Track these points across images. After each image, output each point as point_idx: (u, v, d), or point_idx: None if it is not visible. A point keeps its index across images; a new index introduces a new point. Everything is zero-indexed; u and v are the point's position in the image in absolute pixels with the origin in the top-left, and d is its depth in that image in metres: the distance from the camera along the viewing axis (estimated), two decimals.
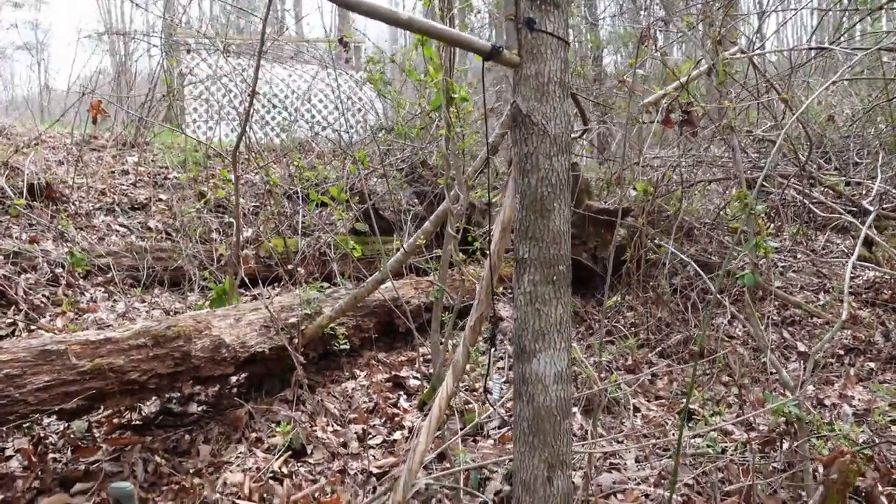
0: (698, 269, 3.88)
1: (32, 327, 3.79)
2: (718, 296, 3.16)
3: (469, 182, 2.73)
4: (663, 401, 3.70)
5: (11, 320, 3.80)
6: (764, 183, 5.47)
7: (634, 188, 3.50)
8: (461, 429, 3.05)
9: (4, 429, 2.63)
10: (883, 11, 6.26)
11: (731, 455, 2.71)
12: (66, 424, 2.84)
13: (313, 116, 8.87)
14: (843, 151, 6.93)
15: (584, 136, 6.08)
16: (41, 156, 6.09)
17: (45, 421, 2.86)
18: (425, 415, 2.98)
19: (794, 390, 2.18)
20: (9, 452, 2.65)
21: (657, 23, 4.34)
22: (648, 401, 3.70)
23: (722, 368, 4.15)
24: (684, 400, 3.61)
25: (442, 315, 3.23)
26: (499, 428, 3.03)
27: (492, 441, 2.93)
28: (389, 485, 1.55)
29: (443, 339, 3.32)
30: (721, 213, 5.82)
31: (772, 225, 5.95)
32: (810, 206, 5.48)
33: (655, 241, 5.25)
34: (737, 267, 4.95)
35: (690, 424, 3.17)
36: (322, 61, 10.35)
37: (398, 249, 4.60)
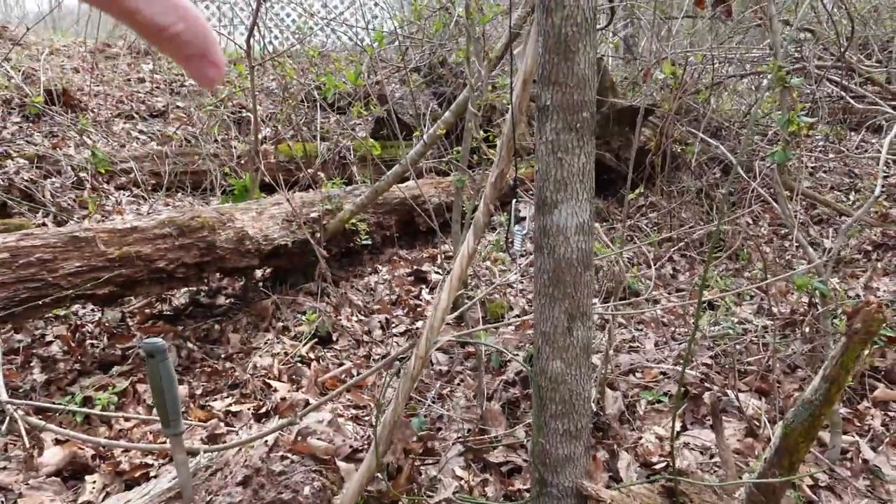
0: (731, 157, 3.77)
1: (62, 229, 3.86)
2: (742, 174, 3.07)
3: (489, 62, 2.62)
4: (684, 293, 3.71)
5: (41, 222, 3.88)
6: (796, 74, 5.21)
7: (662, 71, 3.34)
8: (483, 317, 3.10)
9: (43, 317, 2.73)
10: None
11: (752, 337, 2.72)
12: (101, 313, 2.95)
13: (331, 16, 8.58)
14: (889, 44, 6.54)
15: (612, 35, 5.80)
16: (57, 63, 6.02)
17: (81, 311, 2.96)
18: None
19: (819, 268, 2.15)
20: (49, 338, 2.76)
21: None
22: (669, 294, 3.70)
23: (745, 265, 4.12)
24: (705, 293, 3.62)
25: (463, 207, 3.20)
26: (518, 316, 3.07)
27: (512, 328, 2.98)
28: (413, 341, 1.58)
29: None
30: (751, 110, 5.61)
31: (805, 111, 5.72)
32: (848, 98, 5.24)
33: (681, 138, 5.10)
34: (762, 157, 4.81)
35: (711, 312, 3.18)
36: None
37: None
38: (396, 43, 6.45)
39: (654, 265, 3.94)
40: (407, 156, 3.21)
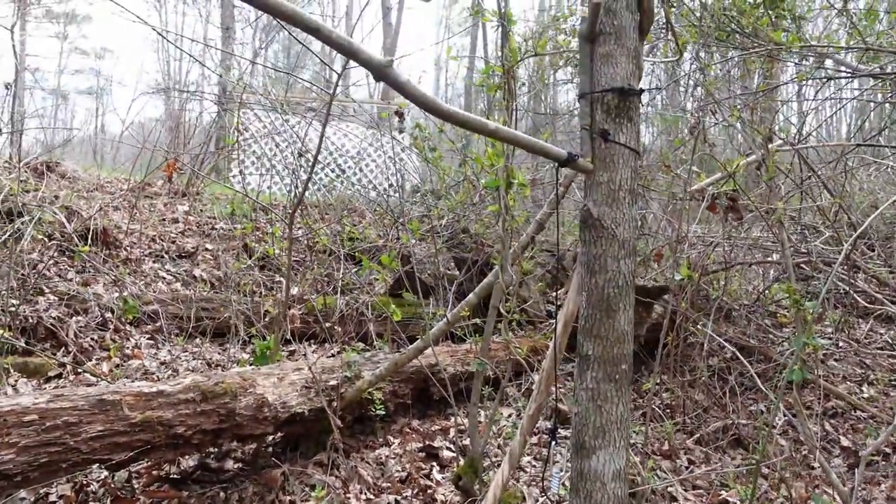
0: (738, 354, 3.84)
1: (79, 370, 3.90)
2: (764, 388, 3.11)
3: (518, 261, 2.79)
4: (701, 491, 3.60)
5: (61, 362, 3.92)
6: (806, 269, 5.43)
7: (678, 271, 3.52)
8: None
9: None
10: None
11: None
12: (108, 473, 2.89)
13: (360, 176, 9.16)
14: (889, 240, 6.85)
15: None
16: (99, 201, 6.37)
17: (90, 469, 2.91)
18: (461, 491, 2.96)
19: (844, 496, 2.12)
20: (52, 498, 2.70)
21: (707, 109, 4.45)
22: (685, 490, 3.60)
23: (761, 459, 4.03)
24: (723, 491, 3.52)
25: (481, 389, 3.24)
26: None
27: None
28: None
29: (480, 412, 3.32)
30: (762, 296, 5.76)
31: (820, 311, 5.85)
32: (853, 294, 5.40)
33: (694, 322, 5.21)
34: (779, 353, 4.86)
35: None
36: (370, 123, 10.73)
37: (435, 315, 4.66)
38: (417, 203, 6.84)
39: (670, 457, 3.87)
40: (430, 332, 3.30)
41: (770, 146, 2.87)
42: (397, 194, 7.55)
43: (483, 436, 2.99)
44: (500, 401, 3.46)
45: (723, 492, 3.51)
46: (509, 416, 4.00)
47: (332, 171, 9.30)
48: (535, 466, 3.55)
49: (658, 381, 4.90)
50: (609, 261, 1.35)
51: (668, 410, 4.63)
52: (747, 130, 3.64)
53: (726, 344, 3.14)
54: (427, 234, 5.58)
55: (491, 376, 3.59)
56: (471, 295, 3.29)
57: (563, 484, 1.52)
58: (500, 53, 2.30)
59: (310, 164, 8.42)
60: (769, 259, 5.65)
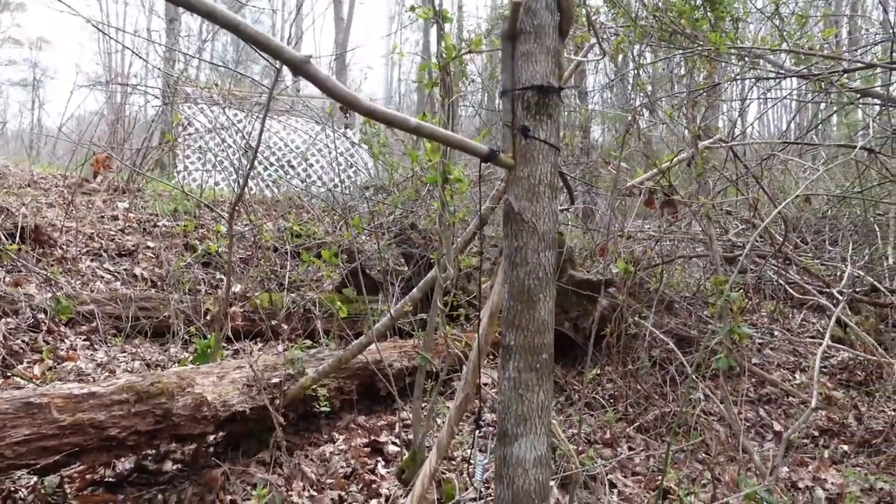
0: (674, 347, 3.97)
1: (8, 374, 3.75)
2: (694, 376, 3.23)
3: (458, 256, 2.82)
4: (640, 477, 3.72)
5: None
6: (744, 262, 5.65)
7: (616, 266, 3.61)
8: (439, 500, 3.04)
9: None
10: (855, 105, 6.62)
11: None
12: (37, 479, 2.80)
13: (307, 172, 9.05)
14: (819, 233, 7.19)
15: (570, 209, 6.25)
16: (33, 198, 6.13)
17: (16, 474, 2.81)
18: (404, 484, 2.98)
19: (766, 476, 2.23)
20: None
21: (641, 109, 4.57)
22: (625, 476, 3.71)
23: (698, 446, 4.18)
24: (660, 477, 3.64)
25: (425, 383, 3.26)
26: (473, 501, 3.03)
27: None
28: None
29: (424, 406, 3.35)
30: (700, 288, 5.97)
31: (749, 302, 6.10)
32: (786, 286, 5.65)
33: (636, 314, 5.35)
34: (714, 344, 5.05)
35: (668, 500, 3.19)
36: (318, 119, 10.61)
37: (383, 312, 4.66)
38: (365, 199, 6.81)
39: (611, 445, 3.98)
40: (374, 327, 3.30)
41: (700, 144, 2.98)
42: (345, 190, 7.50)
43: (425, 429, 3.02)
44: (441, 394, 3.50)
45: (659, 477, 3.63)
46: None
47: (280, 167, 9.16)
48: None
49: (601, 371, 5.03)
50: (529, 253, 1.38)
51: (611, 400, 4.76)
52: (681, 128, 3.77)
53: (662, 336, 3.24)
54: (374, 229, 5.57)
55: (436, 370, 3.62)
56: (414, 290, 3.31)
57: (489, 472, 1.56)
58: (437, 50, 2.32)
59: (263, 158, 8.26)
60: (702, 253, 5.86)
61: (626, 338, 5.07)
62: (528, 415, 1.40)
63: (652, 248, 5.05)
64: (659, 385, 4.80)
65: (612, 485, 3.52)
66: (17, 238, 4.89)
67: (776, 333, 6.21)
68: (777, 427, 4.50)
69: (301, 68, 1.09)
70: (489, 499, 2.93)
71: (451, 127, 2.20)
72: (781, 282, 5.56)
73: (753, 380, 5.26)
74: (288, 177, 8.03)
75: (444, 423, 3.81)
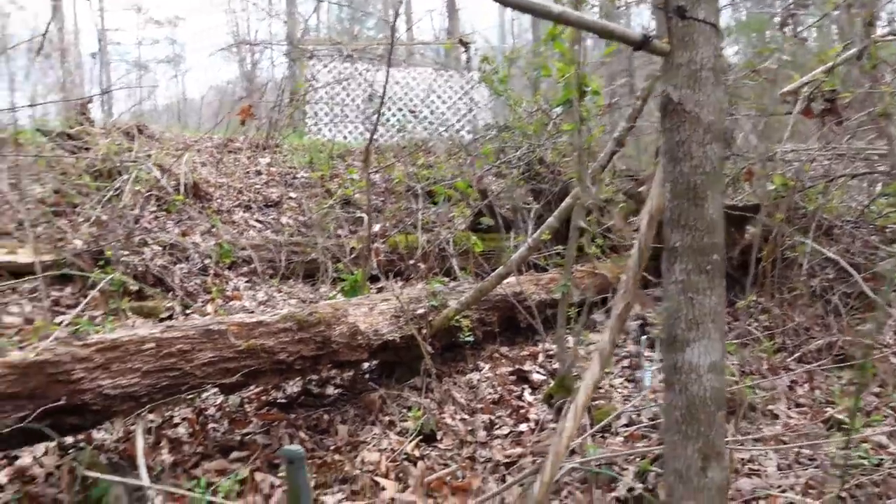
0: (849, 268, 3.60)
1: (188, 312, 4.20)
2: (874, 296, 2.93)
3: (597, 179, 2.71)
4: (805, 408, 3.48)
5: (170, 305, 4.23)
6: None
7: (771, 182, 3.31)
8: (590, 423, 3.04)
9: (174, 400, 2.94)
10: None
11: (890, 468, 2.52)
12: (222, 399, 3.14)
13: (431, 117, 9.13)
14: None
15: None
16: (189, 159, 6.68)
17: (204, 395, 3.16)
18: (552, 407, 3.01)
19: None
20: (176, 420, 2.97)
21: (794, 5, 4.07)
22: (788, 408, 3.49)
23: (871, 378, 3.83)
24: (829, 409, 3.38)
25: (567, 310, 3.23)
26: (626, 426, 3.00)
27: (621, 438, 2.90)
28: (536, 465, 1.59)
29: (568, 334, 3.33)
30: (866, 209, 5.37)
31: None
32: None
33: (792, 239, 4.92)
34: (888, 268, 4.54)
35: (836, 434, 2.97)
36: (435, 62, 10.59)
37: (516, 246, 4.65)
38: (494, 138, 6.75)
39: (771, 376, 3.75)
40: (512, 258, 3.31)
41: (872, 34, 2.60)
42: (468, 131, 7.49)
43: (572, 356, 3.01)
44: (584, 324, 3.45)
45: (828, 409, 3.38)
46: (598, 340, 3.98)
47: (403, 114, 9.30)
48: (626, 387, 3.54)
49: (754, 300, 4.71)
50: (694, 147, 1.28)
51: (766, 331, 4.46)
52: (845, 20, 3.31)
53: (836, 257, 2.94)
54: (502, 165, 5.52)
55: (577, 300, 3.57)
56: (551, 218, 3.26)
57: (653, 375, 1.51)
58: None
59: (385, 107, 8.46)
60: (867, 170, 5.21)
61: (782, 267, 4.70)
62: (700, 319, 1.33)
63: (807, 167, 4.57)
64: (820, 316, 4.42)
65: (775, 416, 3.33)
66: (185, 193, 5.39)
67: None
68: None
69: None
70: (654, 406, 2.89)
71: (579, 41, 2.07)
72: None
73: None
74: (413, 122, 8.15)
75: (590, 355, 3.78)
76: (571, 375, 3.01)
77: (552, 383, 3.29)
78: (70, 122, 6.64)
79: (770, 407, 3.37)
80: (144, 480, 2.16)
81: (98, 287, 3.74)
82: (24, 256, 4.35)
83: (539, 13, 1.26)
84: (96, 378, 2.24)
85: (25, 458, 2.65)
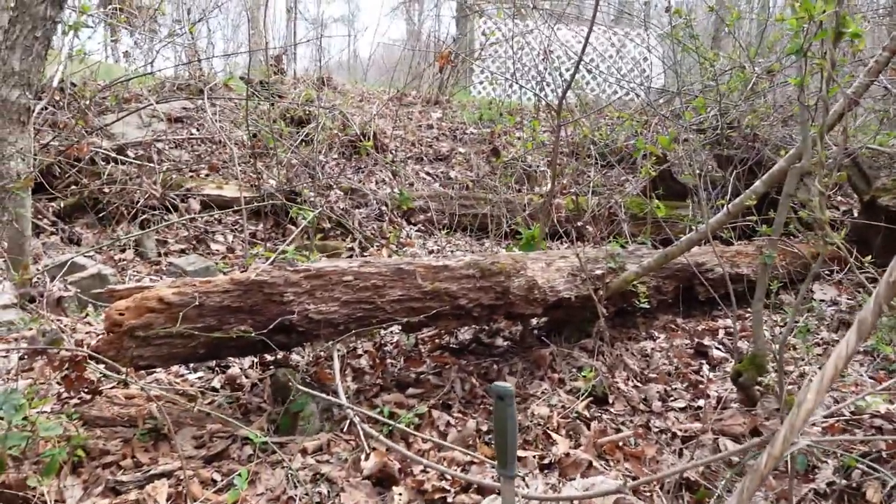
0: None
1: (365, 255, 4.43)
2: None
3: (820, 130, 2.39)
4: None
5: (350, 246, 4.49)
6: None
7: None
8: (777, 409, 2.79)
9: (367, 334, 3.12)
10: None
11: None
12: (399, 337, 3.28)
13: (608, 76, 8.75)
14: None
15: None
16: (366, 110, 7.00)
17: (384, 332, 3.33)
18: (741, 388, 2.79)
19: None
20: (359, 352, 3.15)
21: None
22: None
23: None
24: None
25: (769, 284, 2.95)
26: (825, 418, 2.71)
27: (818, 429, 2.63)
28: (766, 437, 1.47)
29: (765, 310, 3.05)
30: None
31: None
32: None
33: None
34: None
35: None
36: (614, 20, 10.05)
37: (693, 217, 4.34)
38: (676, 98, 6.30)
39: None
40: (707, 222, 3.07)
41: None
42: (646, 92, 7.05)
43: (787, 332, 2.75)
44: (772, 304, 3.15)
45: None
46: (784, 321, 3.64)
47: (580, 70, 9.00)
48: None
49: None
50: None
51: None
52: None
53: None
54: (686, 130, 5.14)
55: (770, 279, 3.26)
56: (757, 182, 2.96)
57: None
58: None
59: (556, 66, 8.21)
60: None
61: None
62: None
63: None
64: None
65: None
66: (367, 140, 5.65)
67: None
68: None
69: None
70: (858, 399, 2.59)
71: None
72: None
73: None
74: (590, 80, 7.85)
75: (775, 338, 3.47)
76: (765, 354, 2.77)
77: (740, 360, 3.05)
78: (266, 72, 7.21)
79: None
80: (343, 400, 2.31)
81: (297, 224, 4.03)
82: (229, 191, 4.83)
83: None
84: (303, 302, 2.42)
85: (234, 368, 2.97)
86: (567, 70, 9.07)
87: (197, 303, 2.26)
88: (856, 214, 5.06)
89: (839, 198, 5.66)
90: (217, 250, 4.45)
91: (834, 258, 4.33)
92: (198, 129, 6.00)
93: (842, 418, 2.70)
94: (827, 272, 4.38)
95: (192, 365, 2.94)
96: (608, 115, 6.48)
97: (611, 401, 2.88)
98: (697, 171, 5.33)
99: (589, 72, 8.47)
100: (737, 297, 3.01)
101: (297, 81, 7.34)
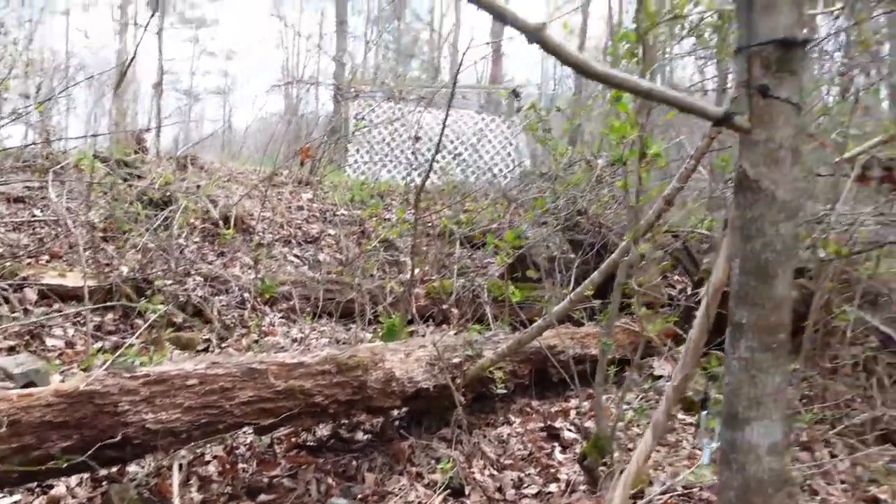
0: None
1: (223, 345, 4.25)
2: None
3: (642, 239, 2.70)
4: (846, 485, 3.34)
5: (207, 337, 4.29)
6: None
7: (822, 249, 3.26)
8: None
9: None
10: None
11: None
12: (253, 438, 3.14)
13: (473, 160, 9.25)
14: None
15: None
16: (236, 190, 6.87)
17: (239, 432, 3.17)
18: (586, 470, 2.93)
19: None
20: (207, 458, 2.97)
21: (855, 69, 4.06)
22: (829, 484, 3.35)
23: None
24: (871, 487, 3.24)
25: (607, 368, 3.18)
26: (660, 494, 2.90)
27: None
28: None
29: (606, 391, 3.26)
30: None
31: None
32: None
33: (837, 306, 4.79)
34: None
35: None
36: (479, 106, 10.77)
37: (550, 298, 4.62)
38: (532, 185, 6.79)
39: (809, 449, 3.62)
40: (553, 311, 3.28)
41: None
42: (510, 177, 7.55)
43: (609, 416, 2.94)
44: (615, 383, 3.39)
45: (871, 487, 3.24)
46: (637, 397, 3.91)
47: (444, 156, 9.45)
48: (657, 451, 3.44)
49: (796, 368, 4.58)
50: (767, 225, 1.28)
51: (805, 401, 4.32)
52: None
53: (886, 329, 2.86)
54: (542, 216, 5.53)
55: (616, 357, 3.52)
56: (595, 273, 3.24)
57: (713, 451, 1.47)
58: (633, 17, 2.22)
59: (426, 148, 8.58)
60: None
61: (823, 333, 4.57)
62: (762, 398, 1.30)
63: (859, 232, 4.47)
64: (865, 388, 4.27)
65: (814, 492, 3.20)
66: (228, 225, 5.52)
67: None
68: None
69: (536, 35, 1.09)
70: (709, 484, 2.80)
71: (649, 76, 2.10)
72: None
73: None
74: (456, 165, 8.26)
75: (622, 415, 3.70)
76: (607, 436, 2.94)
77: (585, 443, 3.21)
78: (125, 149, 6.91)
79: (809, 482, 3.24)
80: None
81: (144, 317, 3.81)
82: (72, 280, 4.48)
83: (629, 89, 1.28)
84: (140, 411, 2.27)
85: (59, 487, 2.68)
86: (442, 155, 9.51)
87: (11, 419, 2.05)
88: (689, 293, 5.61)
89: (676, 277, 6.25)
90: (54, 346, 4.07)
91: (669, 335, 4.75)
92: (41, 211, 5.58)
93: (675, 493, 2.90)
94: (667, 347, 4.78)
95: (4, 490, 2.61)
96: (472, 199, 6.82)
97: (467, 492, 2.91)
98: (552, 255, 5.72)
99: (456, 157, 8.94)
100: (589, 375, 3.20)
101: (160, 160, 7.09)
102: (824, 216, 4.26)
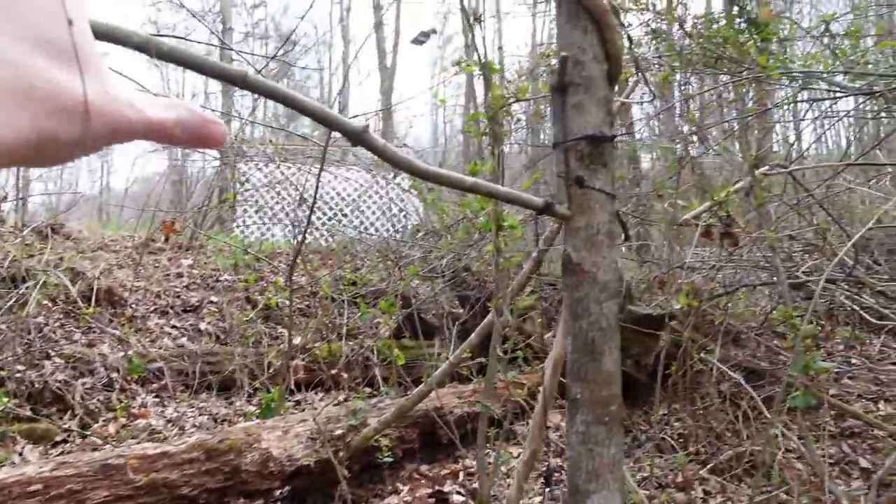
0: (743, 381, 3.81)
1: (86, 434, 3.90)
2: (768, 413, 3.08)
3: (513, 299, 2.80)
4: None
5: (67, 426, 3.93)
6: (812, 287, 5.40)
7: (677, 299, 3.52)
8: None
9: None
10: None
11: None
12: None
13: (359, 220, 9.25)
14: (893, 253, 6.80)
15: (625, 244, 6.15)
16: (103, 261, 6.44)
17: None
18: None
19: None
20: None
21: (692, 138, 4.51)
22: None
23: (779, 485, 3.94)
24: None
25: (487, 430, 3.21)
26: None
27: None
28: None
29: (488, 453, 3.29)
30: (768, 317, 5.73)
31: (822, 329, 5.80)
32: (860, 311, 5.36)
33: (702, 349, 5.16)
34: (789, 377, 4.80)
35: None
36: (368, 167, 10.88)
37: (440, 355, 4.65)
38: (418, 244, 6.89)
39: (684, 489, 3.81)
40: (433, 376, 3.30)
41: (757, 172, 2.90)
42: (398, 236, 7.63)
43: (491, 477, 2.96)
44: (505, 441, 3.43)
45: None
46: (519, 455, 3.95)
47: (333, 216, 9.40)
48: None
49: (667, 410, 4.85)
50: (591, 304, 1.37)
51: (680, 440, 4.57)
52: (736, 157, 3.68)
53: (728, 371, 3.11)
54: (428, 274, 5.61)
55: (498, 417, 3.57)
56: (472, 336, 3.30)
57: None
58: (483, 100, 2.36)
59: (308, 210, 8.52)
60: (767, 281, 5.63)
61: (693, 373, 4.89)
62: (600, 470, 1.36)
63: (713, 278, 4.89)
64: (731, 422, 4.58)
65: None
66: (93, 300, 5.14)
67: (854, 361, 5.87)
68: (864, 463, 4.21)
69: (360, 138, 1.13)
70: None
71: (501, 174, 2.22)
72: (856, 307, 5.28)
73: (833, 412, 4.97)
74: (342, 225, 8.23)
75: (510, 471, 3.74)
76: (489, 499, 2.95)
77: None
78: None
79: None
80: None
81: None
82: None
83: (454, 185, 1.34)
84: None
85: None
86: (325, 214, 9.45)
87: None
88: None
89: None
90: None
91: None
92: None
93: None
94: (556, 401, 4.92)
95: None
96: (361, 258, 6.83)
97: None
98: (442, 311, 5.79)
99: (344, 216, 8.93)
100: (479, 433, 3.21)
101: (17, 231, 6.54)
102: (683, 263, 4.63)
